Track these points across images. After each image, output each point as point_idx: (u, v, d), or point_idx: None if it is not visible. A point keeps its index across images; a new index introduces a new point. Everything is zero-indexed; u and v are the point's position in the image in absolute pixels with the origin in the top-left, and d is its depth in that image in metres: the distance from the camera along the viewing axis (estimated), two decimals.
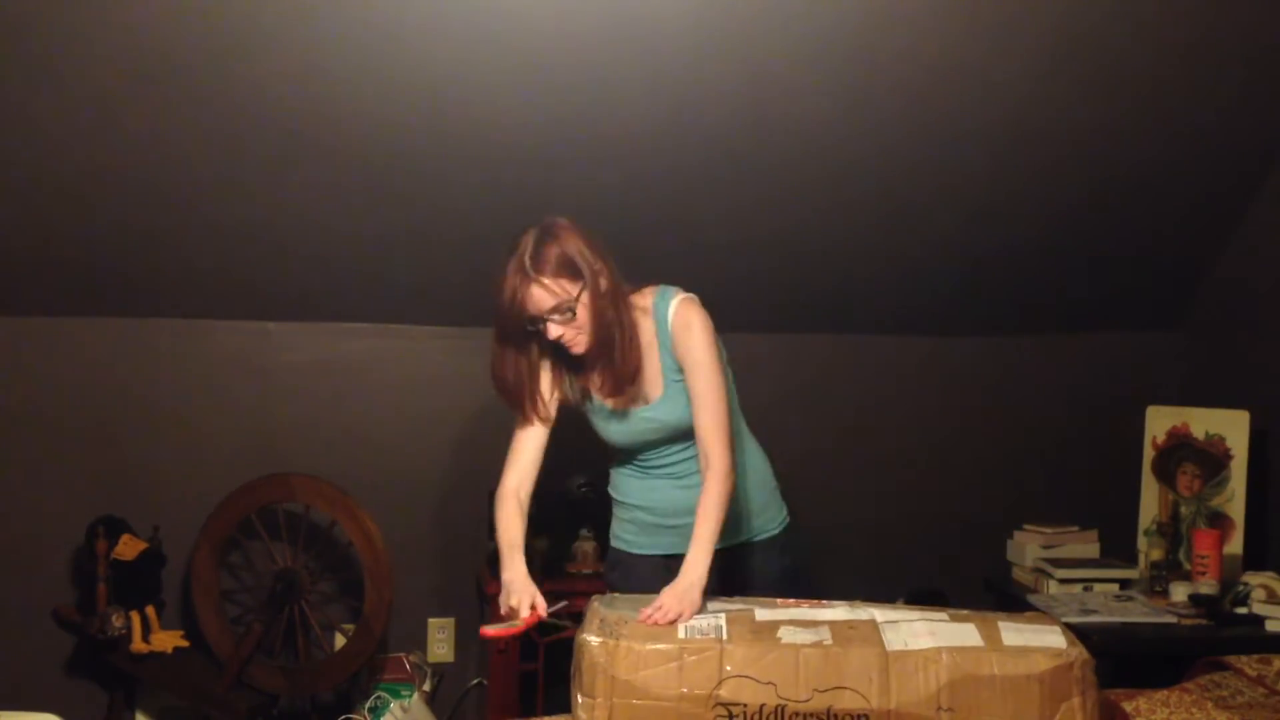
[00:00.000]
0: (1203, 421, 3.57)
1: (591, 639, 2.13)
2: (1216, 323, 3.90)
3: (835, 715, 2.05)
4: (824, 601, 2.36)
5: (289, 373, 3.65)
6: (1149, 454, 3.70)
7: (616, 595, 2.44)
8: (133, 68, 2.87)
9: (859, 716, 2.05)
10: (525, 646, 3.45)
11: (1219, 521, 3.47)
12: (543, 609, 2.36)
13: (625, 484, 2.68)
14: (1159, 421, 3.69)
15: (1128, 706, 2.51)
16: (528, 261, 2.41)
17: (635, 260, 3.57)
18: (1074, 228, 3.68)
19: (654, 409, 2.54)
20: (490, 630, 2.40)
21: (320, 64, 2.92)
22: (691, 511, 2.44)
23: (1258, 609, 3.14)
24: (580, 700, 2.12)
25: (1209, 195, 3.64)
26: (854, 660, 2.08)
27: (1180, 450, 3.62)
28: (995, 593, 3.57)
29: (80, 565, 3.44)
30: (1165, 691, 2.62)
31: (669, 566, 2.44)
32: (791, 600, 2.36)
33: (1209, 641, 3.02)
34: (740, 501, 2.58)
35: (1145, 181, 3.55)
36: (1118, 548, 3.67)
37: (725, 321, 3.85)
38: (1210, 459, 3.52)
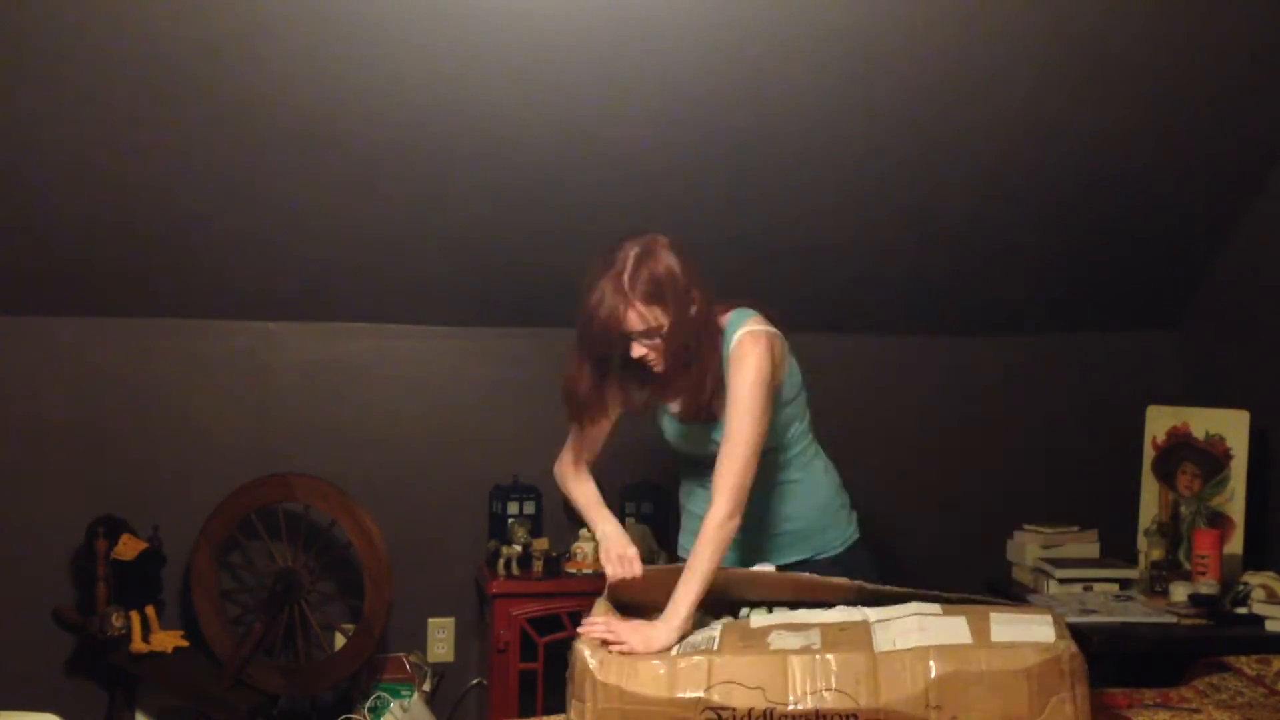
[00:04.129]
0: (1203, 421, 3.57)
1: (584, 646, 2.16)
2: (1216, 323, 3.90)
3: (824, 716, 2.05)
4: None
5: (289, 373, 3.65)
6: (1149, 454, 3.70)
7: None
8: (132, 68, 2.87)
9: (848, 716, 2.05)
10: (525, 646, 3.45)
11: (1219, 521, 3.47)
12: (637, 564, 2.44)
13: (690, 493, 2.73)
14: (1159, 421, 3.69)
15: (1127, 708, 2.51)
16: (625, 282, 2.39)
17: None
18: (1074, 228, 3.68)
19: (718, 428, 2.50)
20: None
21: (322, 64, 2.93)
22: (751, 528, 2.49)
23: (1258, 609, 3.14)
24: (572, 704, 2.14)
25: (1209, 195, 3.64)
26: (842, 663, 2.08)
27: (1180, 450, 3.62)
28: (995, 593, 3.57)
29: (80, 565, 3.44)
30: (1165, 693, 2.62)
31: (726, 577, 2.44)
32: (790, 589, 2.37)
33: (1209, 641, 3.02)
34: (798, 521, 2.62)
35: (1145, 181, 3.55)
36: (1118, 548, 3.68)
37: None
38: (1210, 459, 3.52)
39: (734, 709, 2.07)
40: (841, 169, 3.38)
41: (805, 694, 2.06)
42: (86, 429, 3.52)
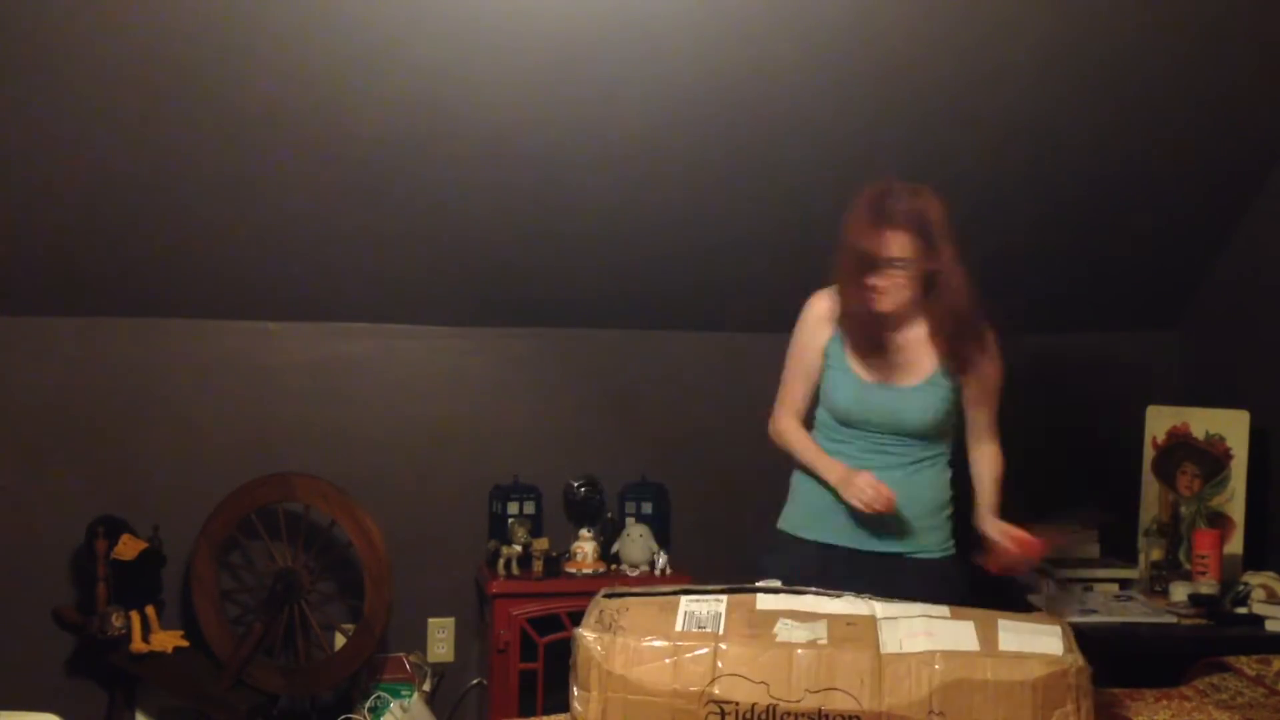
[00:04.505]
0: (1203, 421, 3.57)
1: (588, 634, 2.14)
2: (1216, 323, 3.90)
3: (826, 716, 2.05)
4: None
5: (289, 373, 3.65)
6: (1149, 454, 3.70)
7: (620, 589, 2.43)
8: (134, 69, 2.87)
9: (850, 718, 2.05)
10: (525, 646, 3.46)
11: (1219, 521, 3.47)
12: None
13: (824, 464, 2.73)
14: (1159, 421, 3.69)
15: (1127, 708, 2.51)
16: (891, 206, 2.51)
17: (634, 258, 3.59)
18: (1074, 227, 3.68)
19: (900, 394, 2.63)
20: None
21: (321, 64, 2.92)
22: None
23: (1258, 609, 3.14)
24: (576, 693, 2.13)
25: (1209, 195, 3.64)
26: (847, 662, 2.08)
27: (1180, 450, 3.62)
28: (995, 593, 3.57)
29: (80, 565, 3.44)
30: (1165, 693, 2.62)
31: (824, 556, 2.61)
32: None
33: (1209, 641, 3.02)
34: (914, 508, 2.65)
35: (1145, 181, 3.55)
36: (1118, 548, 3.68)
37: (725, 321, 3.88)
38: (1210, 459, 3.52)
39: (737, 703, 2.06)
40: (840, 170, 3.37)
41: (808, 692, 2.06)
42: (86, 429, 3.52)
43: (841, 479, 2.60)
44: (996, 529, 2.63)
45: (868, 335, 2.63)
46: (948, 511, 2.74)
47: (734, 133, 3.23)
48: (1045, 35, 3.07)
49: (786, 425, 2.74)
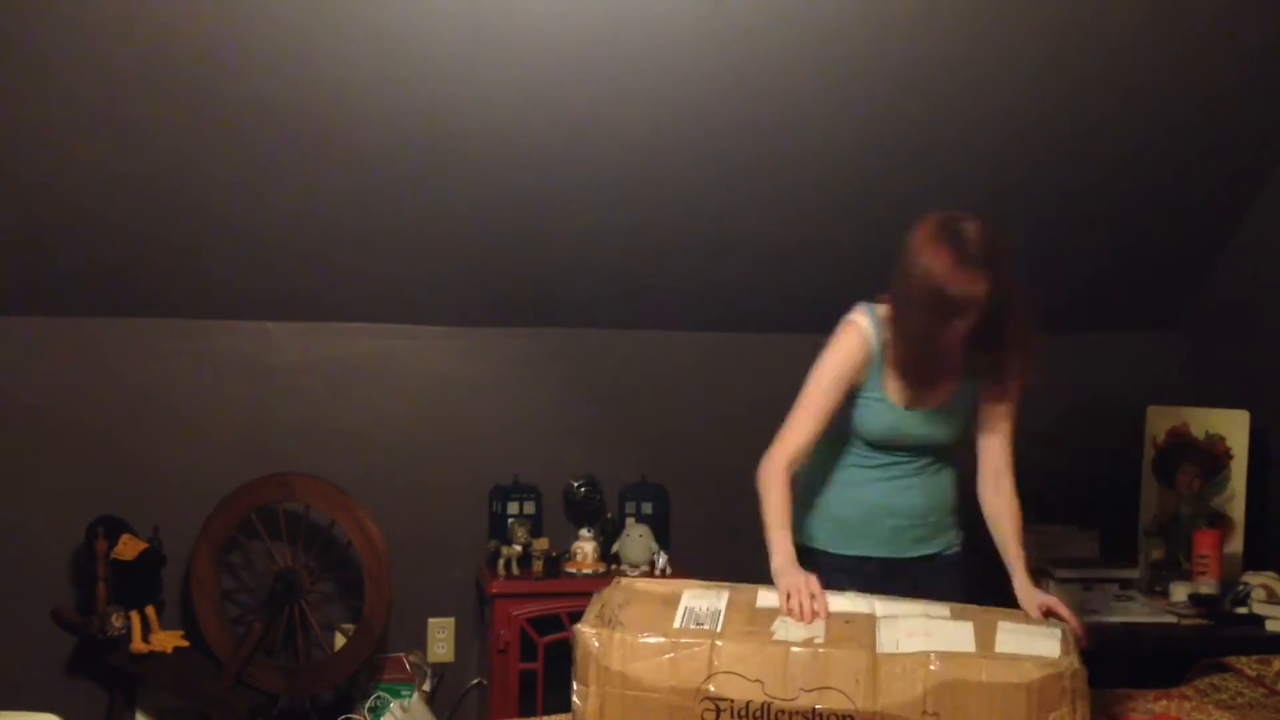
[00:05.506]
0: (1203, 421, 3.57)
1: (587, 629, 2.16)
2: (1216, 323, 3.90)
3: (820, 715, 2.06)
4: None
5: (289, 373, 3.65)
6: (1149, 454, 3.70)
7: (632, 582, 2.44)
8: (133, 69, 2.87)
9: (844, 717, 2.06)
10: (525, 646, 3.45)
11: (1219, 521, 3.47)
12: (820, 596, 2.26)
13: (854, 476, 2.61)
14: (1159, 421, 3.69)
15: (1127, 707, 2.51)
16: (971, 246, 2.36)
17: (632, 258, 3.59)
18: (1074, 227, 3.68)
19: (936, 415, 2.56)
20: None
21: (322, 65, 2.92)
22: (905, 511, 2.58)
23: (1258, 609, 3.15)
24: (575, 688, 2.16)
25: (1209, 195, 3.64)
26: (842, 661, 2.09)
27: (1180, 450, 3.62)
28: (995, 593, 3.56)
29: (80, 565, 3.44)
30: (1165, 693, 2.62)
31: (862, 570, 2.54)
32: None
33: (1209, 641, 3.03)
34: (940, 513, 2.64)
35: (1145, 181, 3.55)
36: (1118, 548, 3.68)
37: (724, 321, 3.88)
38: (1210, 459, 3.53)
39: (732, 700, 2.08)
40: (838, 170, 3.38)
41: (803, 690, 2.07)
42: (86, 429, 3.52)
43: (782, 568, 2.35)
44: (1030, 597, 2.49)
45: (924, 369, 2.50)
46: (956, 504, 2.72)
47: (734, 132, 3.23)
48: (1044, 35, 3.07)
49: (775, 477, 2.48)
